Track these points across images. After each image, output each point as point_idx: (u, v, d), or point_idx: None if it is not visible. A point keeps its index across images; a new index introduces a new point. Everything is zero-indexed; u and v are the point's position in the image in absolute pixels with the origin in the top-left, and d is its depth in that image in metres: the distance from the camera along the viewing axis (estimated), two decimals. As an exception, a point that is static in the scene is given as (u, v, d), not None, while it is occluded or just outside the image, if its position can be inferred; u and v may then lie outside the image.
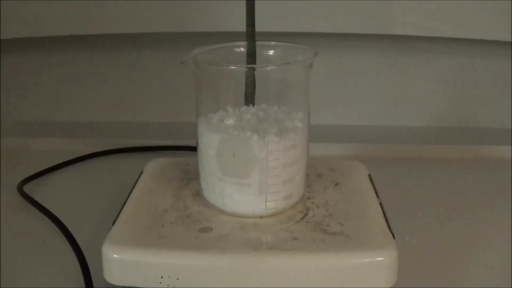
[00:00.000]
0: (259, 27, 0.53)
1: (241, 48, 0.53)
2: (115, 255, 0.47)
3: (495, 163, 0.84)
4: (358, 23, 0.86)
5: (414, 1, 0.84)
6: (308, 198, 0.54)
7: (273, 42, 0.54)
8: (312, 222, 0.50)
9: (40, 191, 0.73)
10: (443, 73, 0.94)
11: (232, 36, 0.54)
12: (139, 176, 0.59)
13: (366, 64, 0.94)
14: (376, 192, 0.56)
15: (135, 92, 0.96)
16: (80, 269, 0.55)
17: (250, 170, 0.49)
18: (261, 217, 0.51)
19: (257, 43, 0.53)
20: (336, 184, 0.57)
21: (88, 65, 0.95)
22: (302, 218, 0.51)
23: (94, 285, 0.52)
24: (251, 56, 0.53)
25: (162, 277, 0.46)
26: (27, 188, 0.73)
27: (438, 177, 0.80)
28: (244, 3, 0.53)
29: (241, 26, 0.54)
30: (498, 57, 0.91)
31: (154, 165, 0.62)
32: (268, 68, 0.51)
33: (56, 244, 0.60)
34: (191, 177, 0.57)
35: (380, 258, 0.46)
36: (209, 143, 0.50)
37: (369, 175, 0.59)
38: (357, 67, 0.94)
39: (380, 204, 0.54)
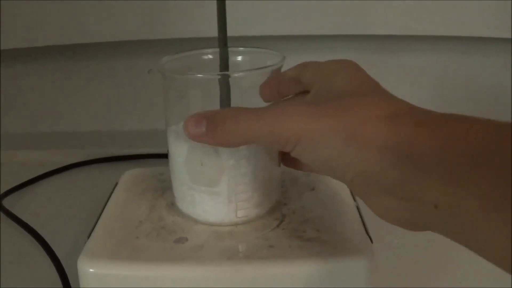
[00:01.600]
0: (233, 31, 0.53)
1: (209, 55, 0.53)
2: (90, 269, 0.46)
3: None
4: (339, 24, 0.86)
5: (394, 1, 0.84)
6: (284, 204, 0.54)
7: (241, 48, 0.53)
8: (288, 228, 0.50)
9: (19, 205, 0.72)
10: (432, 72, 0.93)
11: (210, 42, 0.53)
12: (114, 188, 0.59)
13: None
14: (353, 196, 0.55)
15: (112, 100, 0.95)
16: (60, 282, 0.55)
17: (218, 179, 0.48)
18: (233, 225, 0.50)
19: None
20: (312, 189, 0.56)
21: (61, 75, 0.94)
22: (278, 225, 0.50)
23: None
24: (224, 62, 0.52)
25: (138, 290, 0.46)
26: (6, 202, 0.72)
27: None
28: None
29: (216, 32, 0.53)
30: (491, 54, 0.91)
31: (128, 176, 0.61)
32: (236, 74, 0.49)
33: (36, 257, 0.60)
34: (166, 187, 0.57)
35: (357, 263, 0.46)
36: (178, 152, 0.50)
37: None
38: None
39: (357, 207, 0.53)
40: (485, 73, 0.93)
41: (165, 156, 0.82)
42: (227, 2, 0.50)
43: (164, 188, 0.57)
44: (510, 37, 0.84)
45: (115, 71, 0.94)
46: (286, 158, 0.50)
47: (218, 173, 0.48)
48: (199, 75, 0.48)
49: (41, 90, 0.95)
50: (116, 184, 0.60)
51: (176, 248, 0.47)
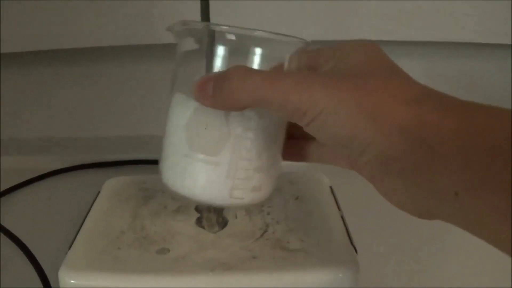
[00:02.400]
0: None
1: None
2: (72, 281, 0.46)
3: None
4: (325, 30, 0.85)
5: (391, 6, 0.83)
6: (268, 213, 0.53)
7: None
8: (272, 239, 0.49)
9: (3, 212, 0.71)
10: (431, 78, 0.92)
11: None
12: (96, 196, 0.58)
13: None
14: (337, 205, 0.55)
15: (96, 106, 0.94)
16: None
17: (221, 147, 0.43)
18: (225, 206, 0.48)
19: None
20: (297, 198, 0.56)
21: (44, 79, 0.93)
22: (261, 235, 0.50)
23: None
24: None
25: (119, 302, 0.45)
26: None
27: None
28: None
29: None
30: (491, 60, 0.90)
31: (111, 184, 0.60)
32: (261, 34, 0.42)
33: (19, 265, 0.60)
34: (149, 195, 0.56)
35: (341, 274, 0.45)
36: (182, 113, 0.44)
37: (331, 187, 0.58)
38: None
39: (342, 217, 0.53)
40: (485, 79, 0.92)
41: (149, 162, 0.82)
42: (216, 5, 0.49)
43: (146, 197, 0.56)
44: (510, 43, 0.83)
45: (100, 75, 0.92)
46: (288, 148, 0.47)
47: (222, 140, 0.43)
48: (224, 26, 0.42)
49: (24, 95, 0.94)
50: (98, 192, 0.59)
51: (158, 259, 0.47)
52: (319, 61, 0.42)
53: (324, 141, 0.38)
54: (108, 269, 0.46)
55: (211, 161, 0.43)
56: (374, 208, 0.68)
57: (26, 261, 0.60)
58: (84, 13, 0.82)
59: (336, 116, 0.36)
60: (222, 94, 0.39)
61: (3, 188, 0.77)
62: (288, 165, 0.49)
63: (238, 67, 0.39)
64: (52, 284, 0.55)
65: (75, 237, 0.51)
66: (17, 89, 0.93)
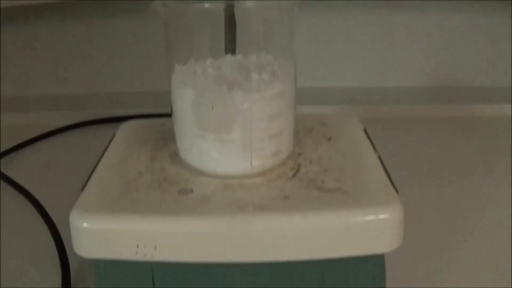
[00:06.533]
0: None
1: None
2: (84, 224, 0.41)
3: (495, 122, 0.81)
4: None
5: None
6: (299, 154, 0.49)
7: None
8: (305, 179, 0.45)
9: (14, 167, 0.71)
10: (432, 31, 0.90)
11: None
12: (111, 140, 0.54)
13: (354, 24, 0.90)
14: (373, 146, 0.50)
15: (111, 61, 0.91)
16: (55, 245, 0.53)
17: (231, 124, 0.43)
18: (246, 177, 0.45)
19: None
20: (329, 139, 0.51)
21: (58, 35, 0.90)
22: (293, 175, 0.45)
23: (70, 261, 0.51)
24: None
25: (138, 246, 0.41)
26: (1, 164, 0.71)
27: (437, 136, 0.76)
28: None
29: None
30: (493, 14, 0.88)
31: (126, 127, 0.56)
32: (248, 5, 0.44)
33: (31, 220, 0.58)
34: (168, 137, 0.52)
35: (384, 215, 0.41)
36: (184, 97, 0.44)
37: (365, 129, 0.54)
38: (344, 27, 0.89)
39: (379, 157, 0.48)
40: (486, 34, 0.90)
41: (165, 116, 0.78)
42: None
43: (166, 139, 0.52)
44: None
45: (114, 29, 0.89)
46: None
47: (231, 117, 0.43)
48: (206, 5, 0.42)
49: (38, 50, 0.91)
50: (114, 135, 0.55)
51: (180, 200, 0.43)
52: None
53: None
54: (124, 210, 0.42)
55: (224, 139, 0.44)
56: (407, 159, 0.65)
57: (38, 215, 0.58)
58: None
59: None
60: None
61: (12, 144, 0.74)
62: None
63: None
64: (63, 237, 0.54)
65: (88, 179, 0.47)
66: (31, 45, 0.91)
